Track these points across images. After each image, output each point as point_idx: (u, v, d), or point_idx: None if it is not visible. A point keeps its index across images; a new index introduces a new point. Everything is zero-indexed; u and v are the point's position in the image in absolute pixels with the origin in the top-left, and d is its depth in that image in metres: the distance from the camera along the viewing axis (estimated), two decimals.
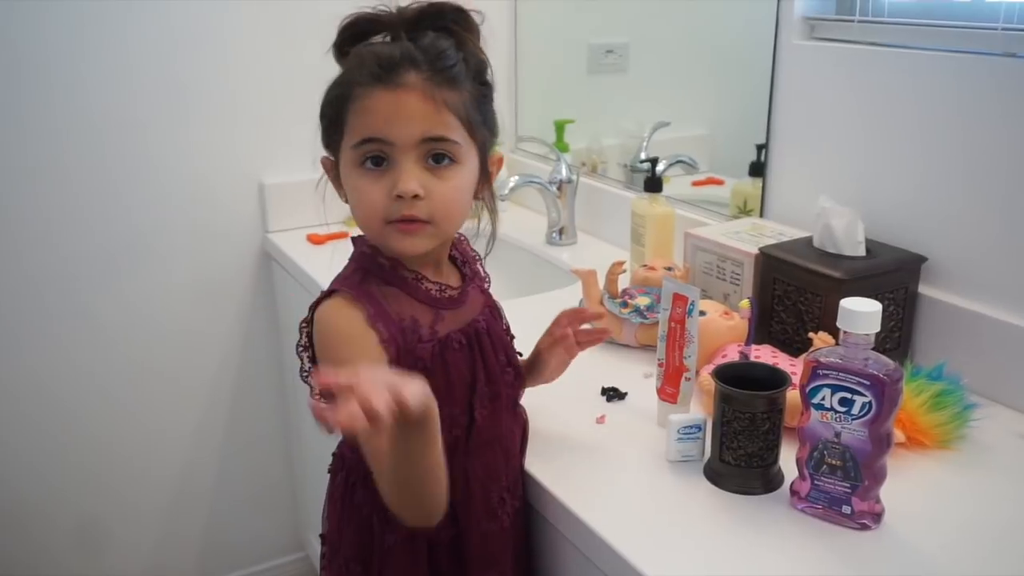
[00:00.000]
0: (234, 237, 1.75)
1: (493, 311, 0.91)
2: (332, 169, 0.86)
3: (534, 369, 0.97)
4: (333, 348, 0.80)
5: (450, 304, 0.85)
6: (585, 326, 0.96)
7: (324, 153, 0.86)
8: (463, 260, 0.92)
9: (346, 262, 0.87)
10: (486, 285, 0.93)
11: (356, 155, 0.80)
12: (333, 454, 0.93)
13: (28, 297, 1.60)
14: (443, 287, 0.85)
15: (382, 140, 0.78)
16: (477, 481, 0.86)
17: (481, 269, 0.94)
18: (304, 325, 0.83)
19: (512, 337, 0.93)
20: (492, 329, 0.88)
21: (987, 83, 1.01)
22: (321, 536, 0.95)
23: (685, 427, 0.91)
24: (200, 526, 1.89)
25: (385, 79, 0.77)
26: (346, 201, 0.85)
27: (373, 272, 0.83)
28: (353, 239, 0.87)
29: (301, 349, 0.84)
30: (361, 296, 0.80)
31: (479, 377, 0.85)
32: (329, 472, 0.93)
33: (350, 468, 0.89)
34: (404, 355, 0.80)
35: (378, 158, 0.79)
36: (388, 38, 0.82)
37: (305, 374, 0.83)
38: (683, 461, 0.92)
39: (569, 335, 0.94)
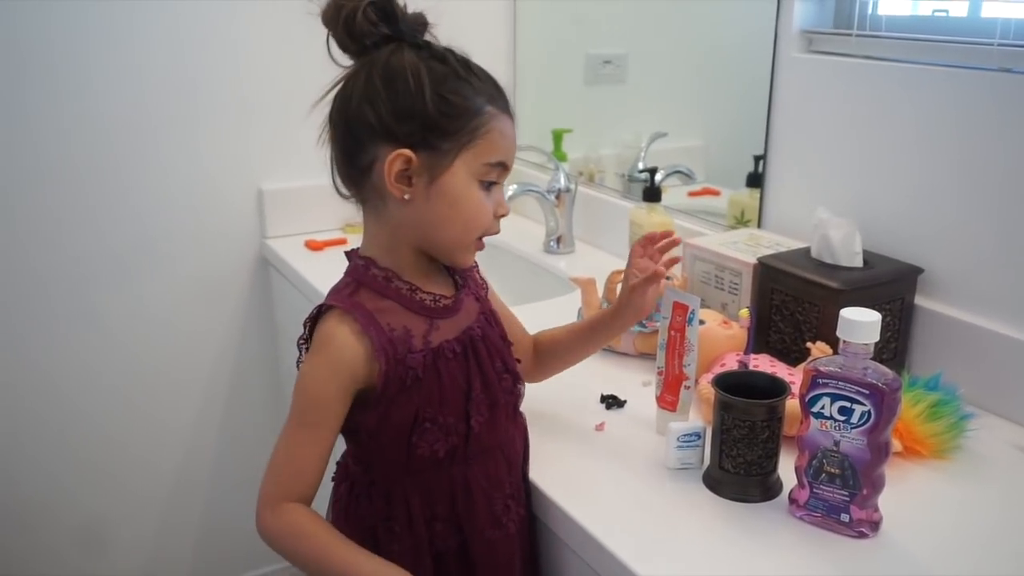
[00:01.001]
0: (232, 243, 1.76)
1: (489, 318, 0.91)
2: (412, 167, 0.79)
3: (612, 318, 0.97)
4: (314, 376, 0.81)
5: (444, 313, 0.86)
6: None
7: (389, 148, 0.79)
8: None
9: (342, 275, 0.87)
10: (483, 292, 0.94)
11: (484, 171, 0.81)
12: (337, 463, 0.93)
13: (30, 296, 1.61)
14: (437, 297, 0.85)
15: (507, 167, 0.84)
16: (479, 489, 0.86)
17: (479, 276, 0.94)
18: (302, 342, 0.84)
19: (509, 344, 0.93)
20: (488, 336, 0.88)
21: (983, 98, 1.03)
22: None
23: (685, 435, 0.92)
24: (199, 528, 1.89)
25: (509, 110, 0.83)
26: (402, 199, 0.80)
27: (367, 284, 0.84)
28: (347, 253, 0.88)
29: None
30: (351, 308, 0.81)
31: (475, 385, 0.85)
32: (333, 480, 0.93)
33: (354, 479, 0.89)
34: (395, 365, 0.80)
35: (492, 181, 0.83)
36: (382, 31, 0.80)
37: None
38: (682, 469, 0.92)
39: (656, 267, 0.95)
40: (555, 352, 1.02)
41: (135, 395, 1.74)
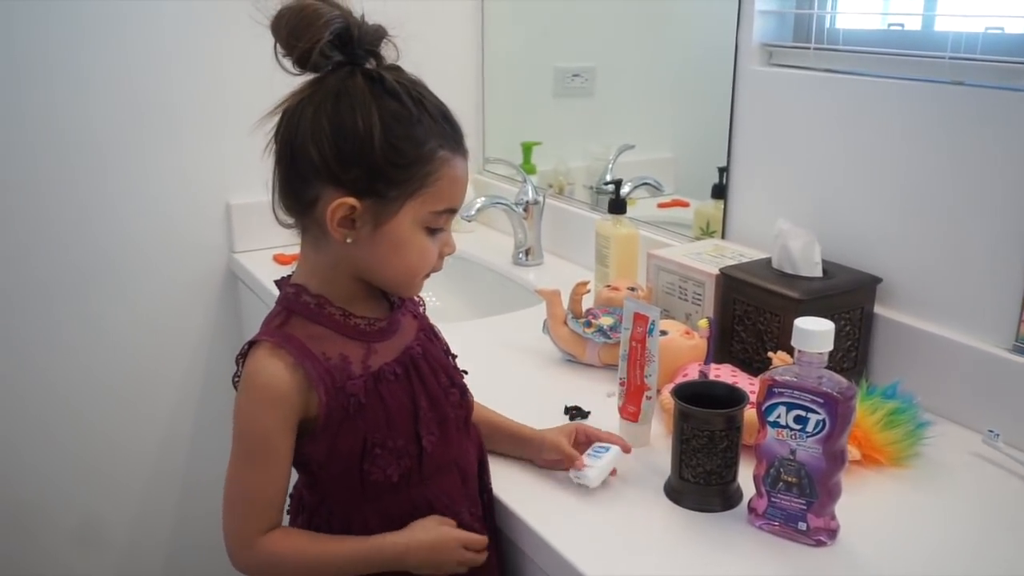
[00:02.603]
0: (201, 257, 1.75)
1: (429, 334, 0.90)
2: (356, 213, 0.77)
3: (528, 444, 0.96)
4: (252, 414, 0.79)
5: (380, 336, 0.84)
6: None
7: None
8: None
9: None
10: (421, 308, 0.92)
11: (431, 219, 0.80)
12: (290, 495, 0.91)
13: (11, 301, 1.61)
14: (372, 320, 0.84)
15: (455, 211, 0.82)
16: (441, 507, 0.86)
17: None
18: (236, 379, 0.82)
19: (454, 356, 0.92)
20: (429, 353, 0.87)
21: (936, 110, 1.04)
22: None
23: (598, 447, 0.93)
24: (167, 545, 1.87)
25: (463, 150, 0.81)
26: (344, 242, 0.78)
27: (298, 312, 0.81)
28: (277, 282, 0.86)
29: None
30: (283, 342, 0.79)
31: (421, 404, 0.84)
32: (288, 513, 0.91)
33: (312, 511, 0.87)
34: (335, 394, 0.79)
35: None
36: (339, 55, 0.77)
37: None
38: (577, 484, 0.90)
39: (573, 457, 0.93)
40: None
41: (103, 412, 1.73)
